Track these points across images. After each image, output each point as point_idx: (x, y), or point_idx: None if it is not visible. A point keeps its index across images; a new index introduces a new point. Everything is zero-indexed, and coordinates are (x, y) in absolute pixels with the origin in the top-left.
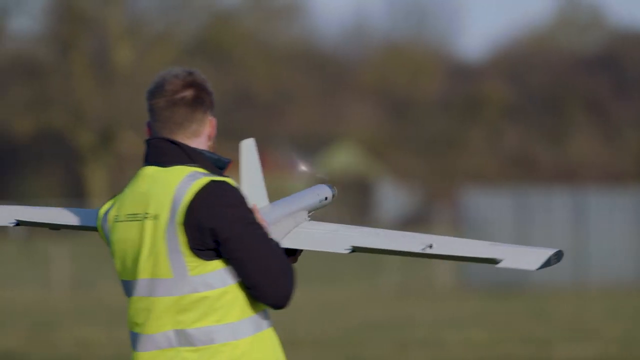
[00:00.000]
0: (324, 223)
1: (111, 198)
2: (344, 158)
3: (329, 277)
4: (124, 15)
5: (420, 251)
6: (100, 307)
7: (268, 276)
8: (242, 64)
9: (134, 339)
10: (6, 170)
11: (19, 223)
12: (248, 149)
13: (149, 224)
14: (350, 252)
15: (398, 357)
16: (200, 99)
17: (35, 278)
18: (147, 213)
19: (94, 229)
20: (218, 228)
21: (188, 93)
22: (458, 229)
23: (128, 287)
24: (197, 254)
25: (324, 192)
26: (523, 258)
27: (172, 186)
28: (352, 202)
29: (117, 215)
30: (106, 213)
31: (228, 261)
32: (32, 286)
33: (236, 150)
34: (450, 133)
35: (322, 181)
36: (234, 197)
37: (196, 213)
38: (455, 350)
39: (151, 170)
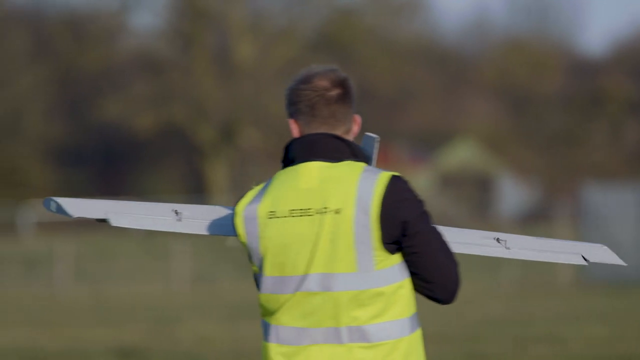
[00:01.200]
0: None
1: (243, 195)
2: (464, 153)
3: None
4: (246, 11)
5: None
6: (221, 302)
7: (444, 271)
8: (364, 59)
9: (292, 335)
10: (127, 165)
11: (106, 220)
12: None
13: (329, 218)
14: None
15: (518, 353)
16: (352, 96)
17: (156, 274)
18: (325, 208)
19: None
20: (410, 222)
21: (343, 90)
22: (578, 226)
23: (287, 282)
24: (386, 247)
25: None
26: (600, 254)
27: (352, 181)
28: (472, 197)
29: (272, 212)
30: (251, 210)
31: (406, 255)
32: (154, 282)
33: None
34: (571, 128)
35: None
36: (415, 191)
37: (389, 207)
38: (575, 346)
39: (317, 165)
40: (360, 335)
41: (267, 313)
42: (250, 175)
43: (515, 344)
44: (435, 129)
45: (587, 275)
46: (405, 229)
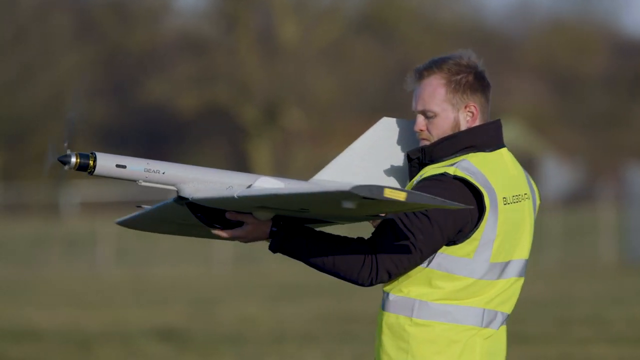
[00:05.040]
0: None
1: (463, 179)
2: (508, 134)
3: None
4: None
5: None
6: (263, 283)
7: None
8: (407, 39)
9: (495, 319)
10: (171, 146)
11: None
12: (384, 127)
13: (528, 204)
14: None
15: (560, 334)
16: None
17: (197, 255)
18: (525, 194)
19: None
20: None
21: None
22: (622, 207)
23: (508, 268)
24: None
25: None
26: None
27: (522, 169)
28: None
29: (505, 197)
30: (492, 194)
31: None
32: (195, 263)
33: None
34: (615, 109)
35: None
36: None
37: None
38: (618, 327)
39: (506, 151)
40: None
41: (467, 296)
42: (294, 156)
43: (558, 325)
44: None
45: (630, 256)
46: None
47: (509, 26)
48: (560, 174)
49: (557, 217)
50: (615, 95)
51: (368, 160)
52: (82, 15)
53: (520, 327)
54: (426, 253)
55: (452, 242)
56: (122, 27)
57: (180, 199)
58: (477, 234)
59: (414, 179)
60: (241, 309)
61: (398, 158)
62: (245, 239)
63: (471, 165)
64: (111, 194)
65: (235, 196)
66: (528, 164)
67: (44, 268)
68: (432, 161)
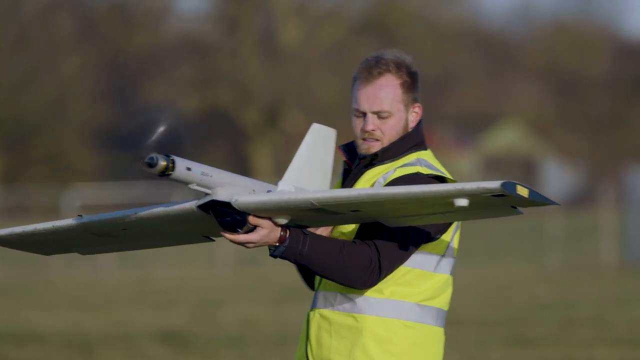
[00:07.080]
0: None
1: (443, 175)
2: (509, 137)
3: (492, 255)
4: None
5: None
6: (265, 285)
7: None
8: (409, 42)
9: (444, 317)
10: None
11: None
12: (316, 133)
13: None
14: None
15: (563, 336)
16: None
17: (200, 257)
18: None
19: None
20: None
21: None
22: (622, 209)
23: (455, 263)
24: None
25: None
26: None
27: None
28: (517, 181)
29: None
30: None
31: None
32: (197, 265)
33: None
34: (616, 112)
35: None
36: None
37: None
38: (620, 329)
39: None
40: None
41: (439, 293)
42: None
43: (560, 327)
44: (480, 112)
45: (631, 258)
46: None
47: (511, 29)
48: (561, 176)
49: (558, 219)
50: (617, 98)
51: (310, 167)
52: (85, 18)
53: (523, 330)
54: (412, 253)
55: (429, 239)
56: (124, 29)
57: (213, 203)
58: (450, 230)
59: (361, 181)
60: (243, 311)
61: (328, 163)
62: (257, 244)
63: (429, 163)
64: (112, 197)
65: (311, 198)
66: (529, 166)
67: (46, 270)
68: (382, 162)
